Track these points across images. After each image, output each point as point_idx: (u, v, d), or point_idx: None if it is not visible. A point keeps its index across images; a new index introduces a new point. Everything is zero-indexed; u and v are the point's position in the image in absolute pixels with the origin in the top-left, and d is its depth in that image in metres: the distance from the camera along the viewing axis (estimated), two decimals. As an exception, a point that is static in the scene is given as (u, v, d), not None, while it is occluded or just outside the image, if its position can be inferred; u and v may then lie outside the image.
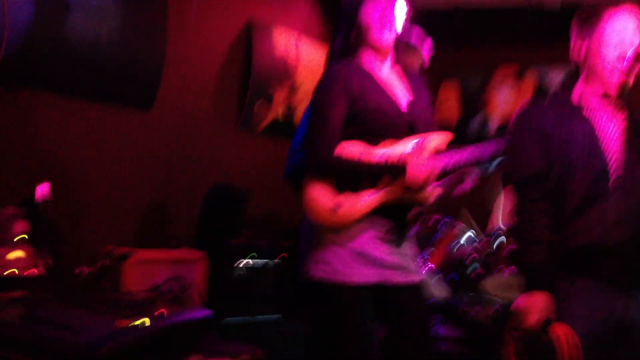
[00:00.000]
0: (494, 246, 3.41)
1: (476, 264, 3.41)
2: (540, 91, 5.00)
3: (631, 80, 1.95)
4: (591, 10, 2.02)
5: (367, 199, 2.13)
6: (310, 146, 2.16)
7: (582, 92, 2.03)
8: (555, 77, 4.97)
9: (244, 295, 3.45)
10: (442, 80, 5.39)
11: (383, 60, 2.28)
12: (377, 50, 2.26)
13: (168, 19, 3.67)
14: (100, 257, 2.98)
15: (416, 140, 2.19)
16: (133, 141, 3.63)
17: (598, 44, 1.96)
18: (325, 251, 2.15)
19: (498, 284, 3.39)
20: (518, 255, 1.99)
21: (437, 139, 2.21)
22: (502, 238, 3.42)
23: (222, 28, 4.19)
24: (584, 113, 1.98)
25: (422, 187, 2.15)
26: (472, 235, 3.51)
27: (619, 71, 1.94)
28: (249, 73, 4.32)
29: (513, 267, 3.22)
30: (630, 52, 1.90)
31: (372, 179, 2.15)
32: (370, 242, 2.15)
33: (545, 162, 1.95)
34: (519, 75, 5.16)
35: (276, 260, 3.63)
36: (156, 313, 2.07)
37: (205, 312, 2.13)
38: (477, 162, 2.23)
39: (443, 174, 2.27)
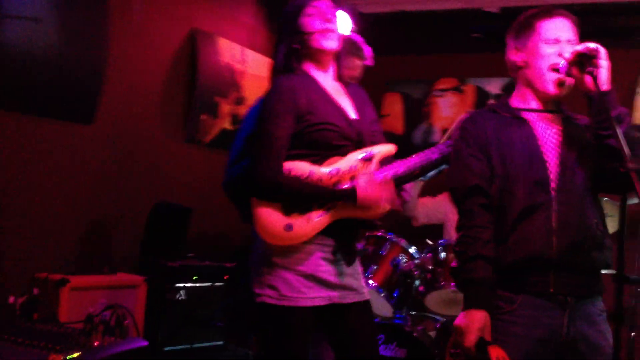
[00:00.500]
0: (437, 261, 3.41)
1: (417, 281, 3.40)
2: (480, 101, 5.10)
3: (564, 90, 1.98)
4: (524, 22, 2.05)
5: (318, 219, 2.11)
6: (256, 166, 2.11)
7: (520, 102, 2.06)
8: (495, 87, 5.08)
9: (185, 321, 3.37)
10: (384, 91, 5.45)
11: (325, 72, 2.27)
12: (320, 58, 2.24)
13: (109, 28, 3.57)
14: (33, 285, 2.87)
15: (362, 155, 2.18)
16: (72, 157, 3.48)
17: (533, 56, 1.99)
18: (272, 276, 2.11)
19: (441, 301, 3.39)
20: (458, 271, 1.97)
21: (381, 150, 2.21)
22: (445, 253, 3.41)
23: (166, 38, 4.11)
24: (523, 122, 2.00)
25: (374, 205, 2.13)
26: (414, 252, 3.51)
27: (552, 81, 1.97)
28: (195, 84, 4.25)
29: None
30: (562, 62, 1.92)
31: (321, 202, 2.12)
32: (318, 264, 2.13)
33: (486, 174, 1.97)
34: (460, 85, 5.26)
35: (219, 284, 3.56)
36: (90, 345, 2.01)
37: (140, 343, 2.07)
38: (420, 171, 2.25)
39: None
